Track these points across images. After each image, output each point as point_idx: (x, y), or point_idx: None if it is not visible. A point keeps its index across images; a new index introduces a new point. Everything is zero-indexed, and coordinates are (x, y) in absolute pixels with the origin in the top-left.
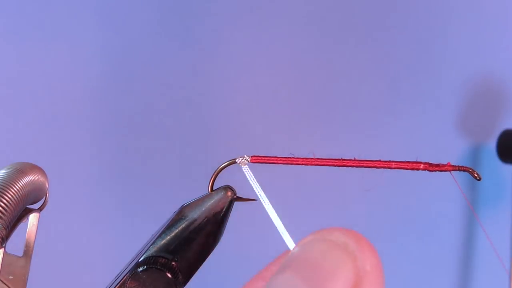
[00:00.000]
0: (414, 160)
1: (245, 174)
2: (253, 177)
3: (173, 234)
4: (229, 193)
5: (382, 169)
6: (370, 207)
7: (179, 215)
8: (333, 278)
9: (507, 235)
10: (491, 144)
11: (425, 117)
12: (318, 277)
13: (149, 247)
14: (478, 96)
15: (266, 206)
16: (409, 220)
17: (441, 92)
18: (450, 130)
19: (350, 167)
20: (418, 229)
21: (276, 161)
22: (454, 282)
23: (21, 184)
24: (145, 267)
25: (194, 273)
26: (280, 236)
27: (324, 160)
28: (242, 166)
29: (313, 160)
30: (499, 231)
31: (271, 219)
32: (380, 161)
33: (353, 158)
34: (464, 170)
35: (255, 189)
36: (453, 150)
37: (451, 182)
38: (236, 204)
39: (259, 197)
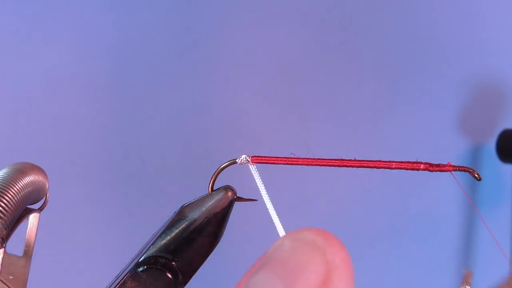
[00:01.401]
0: (414, 160)
1: (245, 174)
2: (259, 178)
3: (173, 234)
4: (230, 193)
5: (383, 169)
6: (370, 207)
7: (179, 215)
8: (305, 271)
9: (507, 235)
10: (491, 144)
11: (425, 117)
12: (291, 272)
13: (149, 247)
14: (478, 96)
15: (269, 210)
16: (409, 220)
17: (440, 92)
18: (450, 130)
19: (350, 167)
20: (418, 230)
21: (276, 161)
22: (455, 283)
23: (21, 184)
24: (145, 267)
25: (194, 273)
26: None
27: (324, 160)
28: (250, 166)
29: (313, 160)
30: (499, 231)
31: (271, 220)
32: (380, 161)
33: (353, 158)
34: (464, 170)
35: (261, 190)
36: (453, 150)
37: (452, 182)
38: (236, 204)
39: (266, 202)
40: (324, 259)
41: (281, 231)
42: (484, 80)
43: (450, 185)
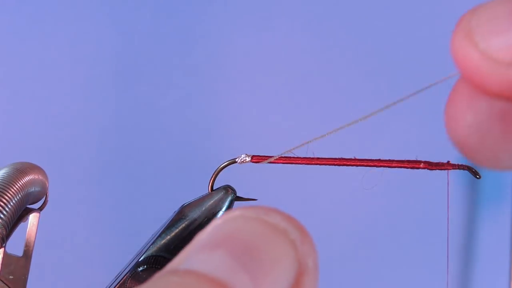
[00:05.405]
0: (414, 159)
1: (245, 174)
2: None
3: (173, 234)
4: (229, 193)
5: (382, 168)
6: (370, 206)
7: (179, 215)
8: (276, 269)
9: (507, 235)
10: None
11: (425, 116)
12: (259, 265)
13: (149, 246)
14: None
15: None
16: (409, 220)
17: (441, 92)
18: None
19: (350, 166)
20: (417, 230)
21: (276, 161)
22: (455, 283)
23: (21, 184)
24: (145, 266)
25: None
26: None
27: (324, 160)
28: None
29: (313, 159)
30: (499, 231)
31: None
32: (380, 160)
33: (353, 158)
34: (464, 169)
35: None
36: (453, 149)
37: (451, 181)
38: (236, 204)
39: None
40: (297, 259)
41: None
42: None
43: (450, 185)
